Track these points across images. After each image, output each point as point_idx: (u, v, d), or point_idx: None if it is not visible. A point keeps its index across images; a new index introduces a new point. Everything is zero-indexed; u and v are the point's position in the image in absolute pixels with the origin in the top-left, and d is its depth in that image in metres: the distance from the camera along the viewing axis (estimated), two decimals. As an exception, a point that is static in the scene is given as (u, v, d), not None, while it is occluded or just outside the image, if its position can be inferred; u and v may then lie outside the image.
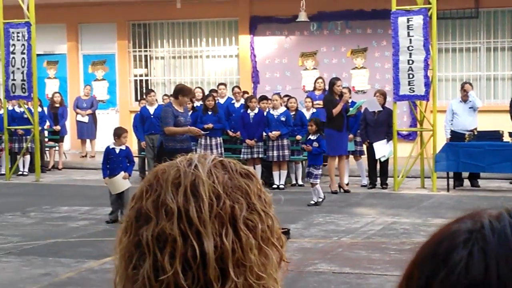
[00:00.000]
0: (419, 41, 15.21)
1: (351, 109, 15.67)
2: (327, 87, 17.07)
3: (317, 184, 14.01)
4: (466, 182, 16.16)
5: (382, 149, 15.81)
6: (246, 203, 1.35)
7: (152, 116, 17.20)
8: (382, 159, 15.89)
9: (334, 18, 20.74)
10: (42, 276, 8.99)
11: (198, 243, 1.29)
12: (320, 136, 14.08)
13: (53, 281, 8.79)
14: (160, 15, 22.00)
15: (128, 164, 12.57)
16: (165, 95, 18.68)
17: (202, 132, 14.35)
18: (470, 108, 16.11)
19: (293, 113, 16.68)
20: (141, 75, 22.87)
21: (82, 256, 9.97)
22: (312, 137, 14.12)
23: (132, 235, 1.34)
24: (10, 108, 18.75)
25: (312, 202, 13.97)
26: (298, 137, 16.38)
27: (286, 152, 16.11)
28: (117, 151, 12.48)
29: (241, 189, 1.36)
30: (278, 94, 17.30)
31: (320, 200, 14.02)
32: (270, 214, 1.38)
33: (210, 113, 16.60)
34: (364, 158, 16.42)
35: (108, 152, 12.56)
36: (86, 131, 21.11)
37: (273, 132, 16.01)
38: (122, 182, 12.33)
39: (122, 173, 12.37)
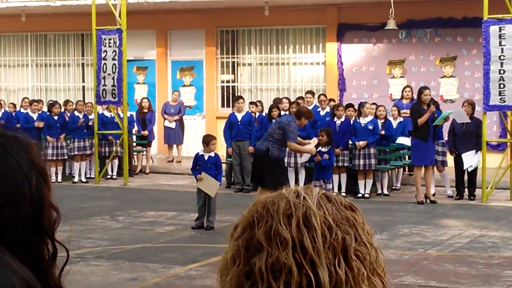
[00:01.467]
0: (511, 51, 14.90)
1: (438, 118, 15.43)
2: (415, 96, 16.90)
3: None
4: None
5: (470, 159, 15.54)
6: (354, 234, 1.38)
7: (239, 123, 17.28)
8: (470, 169, 15.62)
9: (423, 25, 20.50)
10: (130, 280, 9.16)
11: (313, 272, 1.32)
12: (331, 148, 13.32)
13: (141, 286, 8.94)
14: (248, 22, 22.15)
15: (217, 172, 12.70)
16: (251, 102, 18.76)
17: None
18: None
19: (382, 121, 16.56)
20: (228, 81, 23.05)
21: (169, 262, 10.11)
22: (323, 149, 13.39)
23: (241, 265, 1.37)
24: (100, 112, 19.15)
25: None
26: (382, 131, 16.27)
27: (373, 161, 15.97)
28: (206, 157, 12.61)
29: (349, 221, 1.39)
30: (368, 102, 17.15)
31: None
32: (374, 245, 1.40)
33: (296, 121, 16.62)
34: (451, 168, 16.16)
35: (197, 158, 12.71)
36: (173, 137, 21.37)
37: (360, 142, 15.90)
38: (214, 185, 12.49)
39: (218, 183, 12.61)
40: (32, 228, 1.44)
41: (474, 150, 15.54)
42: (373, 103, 17.48)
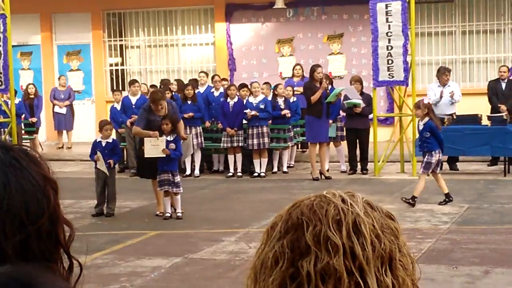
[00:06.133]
0: (398, 27, 15.28)
1: (330, 95, 15.67)
2: (305, 74, 17.09)
3: (180, 193, 11.98)
4: (445, 166, 16.28)
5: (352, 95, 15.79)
6: (398, 244, 1.39)
7: (133, 106, 17.07)
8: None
9: (310, 4, 20.75)
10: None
11: (362, 280, 1.33)
12: (177, 137, 11.84)
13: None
14: (134, 4, 21.85)
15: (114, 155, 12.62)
16: (152, 85, 18.61)
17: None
18: (449, 93, 16.23)
19: (282, 99, 16.62)
20: (116, 65, 22.73)
21: (73, 252, 9.88)
22: (168, 137, 11.76)
23: (285, 266, 1.36)
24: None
25: (180, 214, 11.98)
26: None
27: (266, 139, 16.11)
28: (103, 144, 12.47)
29: (393, 230, 1.40)
30: (258, 82, 17.23)
31: (168, 215, 11.98)
32: (411, 256, 1.43)
33: (189, 102, 16.58)
34: (344, 144, 16.50)
35: (95, 145, 12.58)
36: (64, 123, 20.94)
37: (249, 111, 15.99)
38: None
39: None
40: (52, 244, 1.43)
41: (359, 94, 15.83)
42: (267, 82, 17.61)
